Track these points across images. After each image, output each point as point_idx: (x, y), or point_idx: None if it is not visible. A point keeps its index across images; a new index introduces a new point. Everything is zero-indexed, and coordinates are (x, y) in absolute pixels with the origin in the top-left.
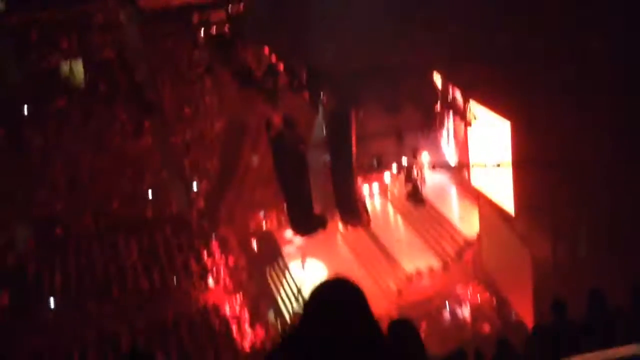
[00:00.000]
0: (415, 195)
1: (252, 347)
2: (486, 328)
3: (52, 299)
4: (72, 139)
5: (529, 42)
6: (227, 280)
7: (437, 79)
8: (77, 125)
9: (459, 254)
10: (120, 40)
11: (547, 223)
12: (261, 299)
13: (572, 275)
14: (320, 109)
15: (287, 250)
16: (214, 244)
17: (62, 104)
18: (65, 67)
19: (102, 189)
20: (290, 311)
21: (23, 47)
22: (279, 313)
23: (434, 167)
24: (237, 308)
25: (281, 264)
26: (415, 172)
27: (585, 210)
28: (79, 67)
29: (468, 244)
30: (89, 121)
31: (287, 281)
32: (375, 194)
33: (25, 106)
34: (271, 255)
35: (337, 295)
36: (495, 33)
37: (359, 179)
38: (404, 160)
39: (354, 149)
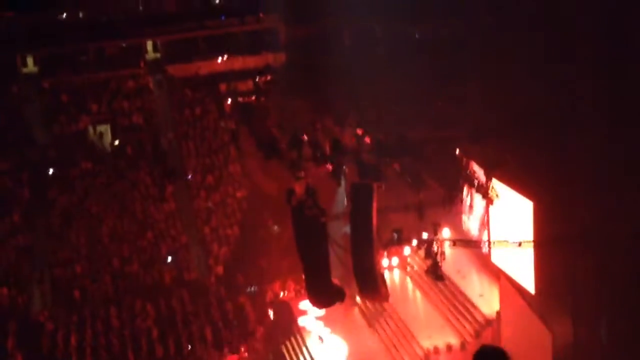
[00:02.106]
0: (434, 271)
1: None
2: None
3: None
4: (96, 201)
5: (553, 124)
6: (243, 349)
7: (461, 155)
8: (102, 187)
9: (478, 332)
10: (149, 107)
11: (569, 304)
12: None
13: (593, 358)
14: (343, 180)
15: (303, 321)
16: (231, 312)
17: (88, 166)
18: (93, 130)
19: (122, 252)
20: None
21: (53, 109)
22: None
23: (454, 243)
24: None
25: (298, 336)
26: (435, 247)
27: (607, 294)
28: (106, 131)
29: (487, 322)
30: (114, 184)
31: (303, 355)
32: (394, 268)
33: (52, 167)
34: (288, 326)
35: None
36: (520, 113)
37: (379, 252)
38: (425, 235)
39: (374, 221)
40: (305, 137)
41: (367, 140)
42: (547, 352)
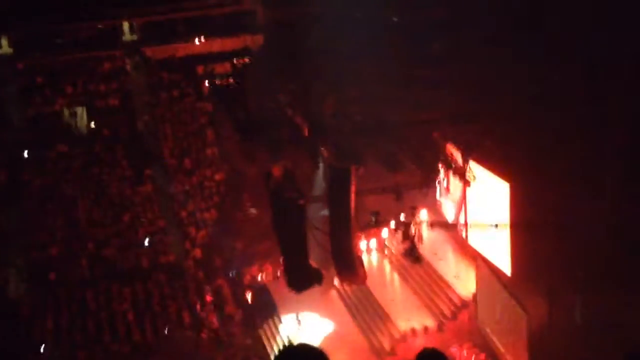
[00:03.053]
0: (412, 253)
1: None
2: None
3: (42, 346)
4: (72, 184)
5: (530, 108)
6: (221, 334)
7: (438, 138)
8: (78, 170)
9: (455, 314)
10: (125, 89)
11: (543, 286)
12: (255, 357)
13: (568, 339)
14: (321, 163)
15: (282, 304)
16: (209, 295)
17: (63, 148)
18: (68, 112)
19: (98, 235)
20: None
21: (28, 91)
22: None
23: (432, 225)
24: None
25: (276, 318)
26: (413, 229)
27: (582, 276)
28: (82, 113)
29: (464, 304)
30: (90, 167)
31: (281, 337)
32: (372, 250)
33: (27, 150)
34: (266, 309)
35: None
36: (497, 96)
37: (357, 235)
38: (402, 218)
39: (352, 204)
40: (283, 120)
41: (346, 122)
42: (522, 333)
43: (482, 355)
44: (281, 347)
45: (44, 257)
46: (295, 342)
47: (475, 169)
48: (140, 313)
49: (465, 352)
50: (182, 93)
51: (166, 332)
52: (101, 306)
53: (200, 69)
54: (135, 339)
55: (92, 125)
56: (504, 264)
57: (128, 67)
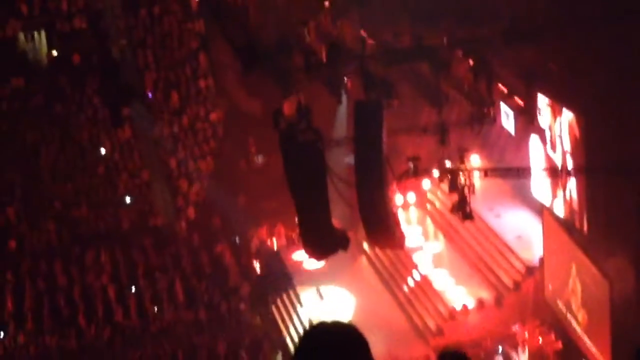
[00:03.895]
0: (461, 209)
1: None
2: None
3: (1, 332)
4: (31, 127)
5: (609, 17)
6: (224, 312)
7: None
8: (38, 110)
9: (517, 284)
10: (95, 7)
11: (629, 245)
12: (266, 339)
13: None
14: (344, 96)
15: (299, 275)
16: (207, 265)
17: (19, 83)
18: (24, 38)
19: (67, 191)
20: None
21: None
22: (288, 357)
23: (485, 173)
24: (236, 350)
25: (292, 293)
26: (462, 179)
27: None
28: (41, 39)
29: (528, 271)
30: (53, 106)
31: (299, 316)
32: (410, 206)
33: None
34: (279, 281)
35: (334, 345)
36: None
37: (391, 187)
38: (448, 164)
39: (384, 148)
40: (296, 41)
41: (374, 43)
42: (604, 305)
43: (552, 335)
44: (307, 327)
45: (0, 221)
46: (319, 321)
47: (540, 100)
48: (122, 288)
49: (527, 333)
50: (166, 10)
51: (155, 312)
52: (73, 280)
53: None
54: (117, 320)
55: (54, 53)
56: (579, 219)
57: None
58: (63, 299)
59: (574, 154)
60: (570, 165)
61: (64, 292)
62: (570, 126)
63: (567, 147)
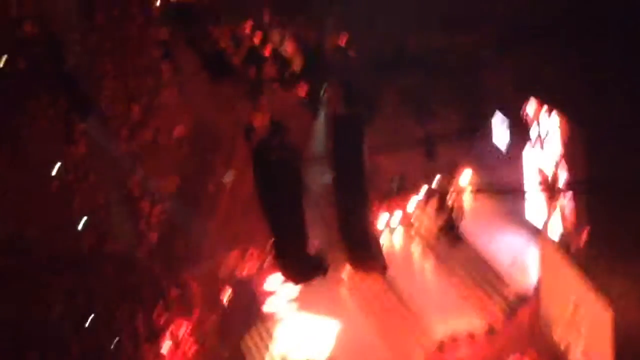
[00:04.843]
0: (450, 230)
1: None
2: None
3: None
4: None
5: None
6: (188, 347)
7: (485, 69)
8: None
9: (511, 313)
10: (47, 10)
11: (634, 268)
12: None
13: None
14: (321, 109)
15: (270, 304)
16: (171, 295)
17: None
18: None
19: (14, 213)
20: None
21: None
22: None
23: (477, 190)
24: None
25: (263, 325)
26: (451, 197)
27: None
28: None
29: (522, 298)
30: (1, 119)
31: (272, 350)
32: (395, 229)
33: None
34: (250, 311)
35: None
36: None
37: (374, 207)
38: (436, 182)
39: (366, 165)
40: (268, 49)
41: (354, 52)
42: (605, 334)
43: None
44: None
45: None
46: (294, 358)
47: (534, 110)
48: (77, 320)
49: None
50: (126, 14)
51: (113, 346)
52: (20, 312)
53: None
54: (74, 353)
55: (3, 61)
56: (578, 239)
57: None
58: (8, 333)
59: (573, 168)
60: (568, 180)
61: (9, 326)
62: (569, 137)
63: (566, 159)
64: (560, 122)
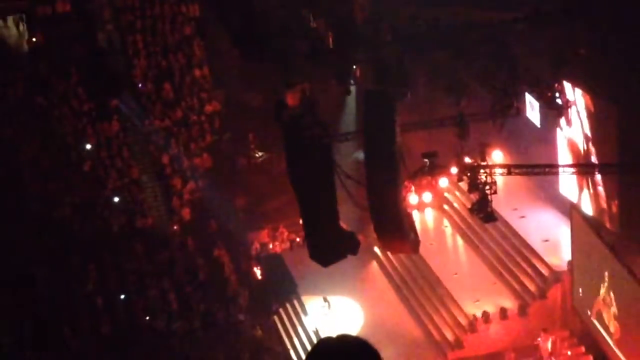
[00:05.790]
0: (482, 209)
1: None
2: None
3: None
4: (9, 121)
5: None
6: (221, 323)
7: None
8: (17, 102)
9: (543, 292)
10: None
11: None
12: (267, 353)
13: None
14: (353, 87)
15: (303, 282)
16: (203, 271)
17: None
18: (3, 22)
19: (48, 191)
20: None
21: None
22: None
23: (509, 170)
24: None
25: (296, 302)
26: (483, 176)
27: None
28: (19, 24)
29: (556, 277)
30: (34, 98)
31: (303, 327)
32: (426, 207)
33: None
34: (281, 288)
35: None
36: None
37: (404, 186)
38: (468, 161)
39: (398, 143)
40: (300, 26)
41: (387, 27)
42: (639, 314)
43: (581, 348)
44: (312, 339)
45: None
46: (325, 333)
47: (569, 89)
48: (111, 297)
49: (549, 344)
50: None
51: (146, 323)
52: (55, 289)
53: None
54: (105, 332)
55: (34, 40)
56: (610, 219)
57: None
58: (45, 310)
59: (605, 148)
60: (601, 160)
61: (45, 303)
62: (602, 117)
63: (598, 140)
64: (593, 99)
